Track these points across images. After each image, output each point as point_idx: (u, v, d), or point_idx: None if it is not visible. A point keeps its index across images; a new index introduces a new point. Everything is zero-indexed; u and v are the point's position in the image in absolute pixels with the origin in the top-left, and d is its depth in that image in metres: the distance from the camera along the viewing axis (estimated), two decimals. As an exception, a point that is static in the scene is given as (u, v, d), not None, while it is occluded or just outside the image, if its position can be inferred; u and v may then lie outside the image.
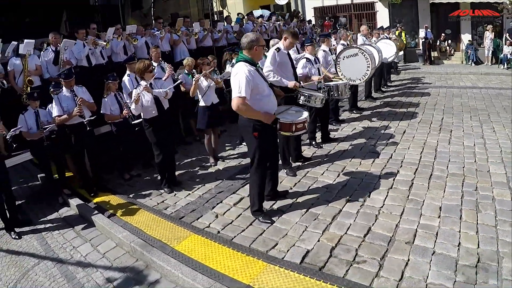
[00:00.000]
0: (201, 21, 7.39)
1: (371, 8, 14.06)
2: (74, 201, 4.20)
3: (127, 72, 4.78)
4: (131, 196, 4.20)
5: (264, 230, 3.10)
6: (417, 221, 3.07)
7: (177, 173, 4.47)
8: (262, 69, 3.24)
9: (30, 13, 7.08)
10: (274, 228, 3.12)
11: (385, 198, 3.51)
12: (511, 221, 2.92)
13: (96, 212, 3.89)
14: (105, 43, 5.34)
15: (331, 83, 4.82)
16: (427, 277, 2.40)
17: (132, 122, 4.28)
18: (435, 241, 2.77)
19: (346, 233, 2.96)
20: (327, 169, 4.31)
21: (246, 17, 8.38)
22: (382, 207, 3.35)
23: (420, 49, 13.02)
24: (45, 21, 6.92)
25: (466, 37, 12.49)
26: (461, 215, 3.11)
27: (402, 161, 4.41)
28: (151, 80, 3.94)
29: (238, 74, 2.81)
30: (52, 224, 4.05)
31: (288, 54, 3.93)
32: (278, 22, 9.09)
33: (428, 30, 12.30)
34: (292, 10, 13.35)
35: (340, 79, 5.50)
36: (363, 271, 2.48)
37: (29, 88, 4.58)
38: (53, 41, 4.93)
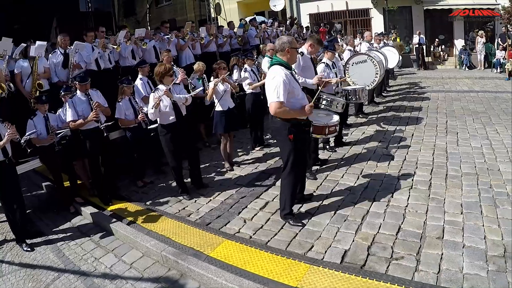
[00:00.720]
0: (206, 26, 7.63)
1: (366, 14, 14.76)
2: (88, 210, 4.26)
3: (139, 76, 4.92)
4: (148, 203, 4.29)
5: (297, 233, 3.30)
6: (443, 218, 3.36)
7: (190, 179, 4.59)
8: (296, 73, 3.46)
9: (20, 18, 7.08)
10: (307, 231, 3.33)
11: (408, 197, 3.80)
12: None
13: (114, 220, 3.96)
14: (115, 47, 5.44)
15: (349, 88, 5.13)
16: (463, 268, 2.67)
17: (148, 127, 4.37)
18: (463, 235, 3.07)
19: (378, 232, 3.21)
20: (346, 172, 4.58)
21: (249, 22, 8.69)
22: (407, 206, 3.63)
23: (414, 55, 13.69)
24: (35, 27, 6.93)
25: (459, 43, 13.30)
26: (481, 211, 3.44)
27: (416, 163, 4.74)
28: (171, 85, 4.05)
29: (276, 78, 3.01)
30: (65, 234, 4.07)
31: (311, 58, 4.21)
32: (280, 28, 9.45)
33: (422, 36, 13.00)
34: (287, 16, 13.83)
35: (348, 84, 5.85)
36: (402, 267, 2.73)
37: (38, 92, 4.62)
38: (62, 43, 4.97)
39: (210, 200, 4.20)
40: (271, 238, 3.25)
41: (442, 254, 2.86)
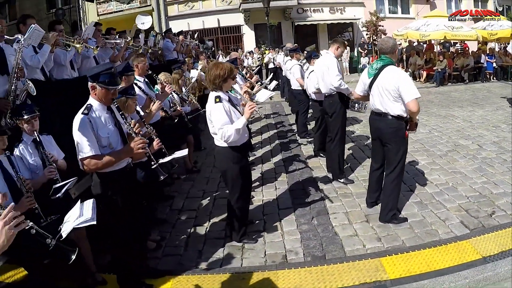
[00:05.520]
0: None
1: (237, 31, 16.95)
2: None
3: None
4: (203, 267, 3.64)
5: (411, 227, 4.02)
6: (476, 181, 5.05)
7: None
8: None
9: None
10: (413, 223, 4.10)
11: (439, 176, 5.28)
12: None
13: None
14: (93, 47, 4.79)
15: None
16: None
17: (176, 157, 3.48)
18: (500, 187, 4.81)
19: (458, 204, 4.45)
20: (365, 171, 5.68)
21: (164, 34, 8.91)
22: (446, 182, 5.07)
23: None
24: None
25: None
26: (489, 171, 5.27)
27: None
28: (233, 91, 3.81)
29: (404, 76, 3.75)
30: None
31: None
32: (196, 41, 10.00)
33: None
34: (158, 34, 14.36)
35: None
36: (501, 216, 4.09)
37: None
38: None
39: (282, 233, 4.15)
40: (403, 240, 3.79)
41: (507, 201, 4.36)
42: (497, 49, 13.37)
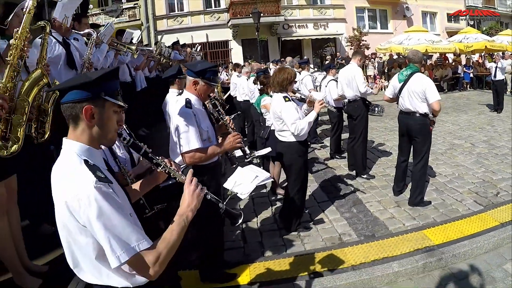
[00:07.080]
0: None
1: (225, 46, 17.88)
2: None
3: (175, 90, 4.51)
4: (270, 254, 4.11)
5: (435, 208, 4.98)
6: (476, 171, 6.15)
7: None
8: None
9: None
10: (436, 204, 5.07)
11: (445, 168, 6.37)
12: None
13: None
14: (132, 50, 5.06)
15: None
16: (524, 185, 5.41)
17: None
18: (499, 174, 5.88)
19: (468, 188, 5.50)
20: (380, 168, 6.70)
21: (172, 45, 9.43)
22: (452, 173, 6.17)
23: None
24: None
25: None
26: (486, 163, 6.40)
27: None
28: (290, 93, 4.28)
29: (429, 82, 4.69)
30: None
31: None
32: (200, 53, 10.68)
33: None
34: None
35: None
36: (506, 195, 5.15)
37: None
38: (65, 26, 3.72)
39: (329, 221, 4.85)
40: (433, 218, 4.68)
41: (507, 184, 5.46)
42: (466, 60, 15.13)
